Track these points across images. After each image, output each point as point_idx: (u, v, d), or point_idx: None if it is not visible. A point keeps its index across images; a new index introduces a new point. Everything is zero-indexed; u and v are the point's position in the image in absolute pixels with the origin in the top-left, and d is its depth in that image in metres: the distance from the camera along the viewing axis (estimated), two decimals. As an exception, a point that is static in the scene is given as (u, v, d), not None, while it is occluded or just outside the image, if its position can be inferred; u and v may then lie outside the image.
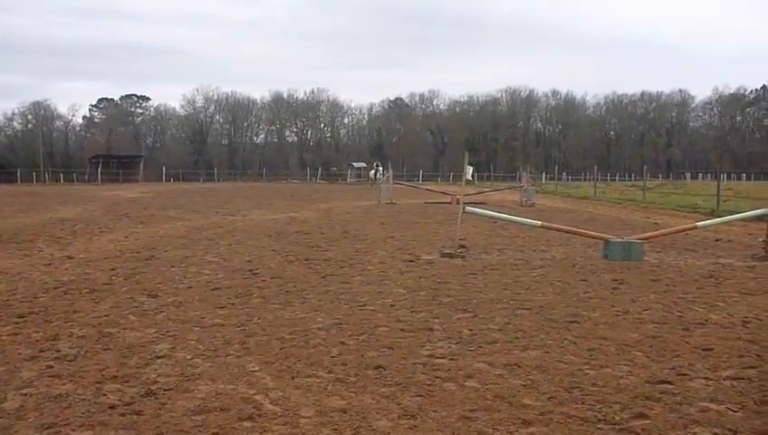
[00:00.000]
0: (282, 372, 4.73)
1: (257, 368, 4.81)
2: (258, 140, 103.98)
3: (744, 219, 13.61)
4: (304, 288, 7.92)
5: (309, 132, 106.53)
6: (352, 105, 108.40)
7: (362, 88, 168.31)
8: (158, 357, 5.07)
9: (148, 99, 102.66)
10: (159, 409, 4.03)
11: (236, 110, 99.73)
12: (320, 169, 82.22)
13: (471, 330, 5.99)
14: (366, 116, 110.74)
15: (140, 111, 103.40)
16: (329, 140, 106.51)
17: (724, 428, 3.78)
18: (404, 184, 40.88)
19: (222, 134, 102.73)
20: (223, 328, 5.97)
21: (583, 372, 4.78)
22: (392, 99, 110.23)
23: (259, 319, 6.32)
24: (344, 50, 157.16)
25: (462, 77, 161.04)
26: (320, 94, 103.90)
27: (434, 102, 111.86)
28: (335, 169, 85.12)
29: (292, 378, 4.60)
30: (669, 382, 4.57)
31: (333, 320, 6.29)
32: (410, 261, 10.31)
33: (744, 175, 79.48)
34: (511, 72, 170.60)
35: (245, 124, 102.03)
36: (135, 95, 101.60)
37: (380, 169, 43.02)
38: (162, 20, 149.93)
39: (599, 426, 3.81)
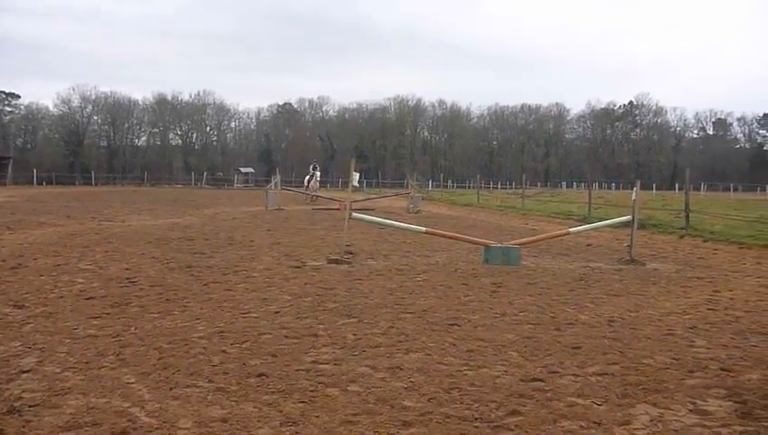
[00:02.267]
0: (159, 383, 4.56)
1: (133, 380, 4.62)
2: (140, 143, 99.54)
3: (611, 226, 14.56)
4: (185, 296, 7.68)
5: (194, 136, 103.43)
6: (240, 109, 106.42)
7: (250, 92, 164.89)
8: (24, 372, 4.75)
9: (17, 96, 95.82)
10: (23, 426, 3.77)
11: (116, 110, 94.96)
12: (205, 173, 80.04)
13: (355, 335, 6.04)
14: (254, 120, 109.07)
15: (9, 108, 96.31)
16: (215, 144, 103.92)
17: (590, 421, 4.03)
18: (292, 190, 40.55)
19: (100, 136, 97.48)
20: (96, 339, 5.68)
21: (462, 373, 4.94)
22: (281, 104, 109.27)
23: (136, 329, 6.06)
24: (232, 52, 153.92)
25: (351, 84, 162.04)
26: (206, 97, 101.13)
27: (323, 108, 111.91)
28: (221, 173, 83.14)
29: (171, 389, 4.45)
30: (541, 380, 4.81)
31: (215, 328, 6.15)
32: (297, 267, 10.25)
33: (614, 184, 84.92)
34: (399, 81, 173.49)
35: (126, 126, 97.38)
36: (3, 92, 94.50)
37: (317, 173, 36.56)
38: (31, 12, 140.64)
39: (475, 425, 3.95)
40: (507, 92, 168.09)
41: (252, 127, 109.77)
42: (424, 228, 13.22)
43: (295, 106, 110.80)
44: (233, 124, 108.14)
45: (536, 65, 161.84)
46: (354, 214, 12.51)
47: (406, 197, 32.50)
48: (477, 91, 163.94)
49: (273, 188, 30.58)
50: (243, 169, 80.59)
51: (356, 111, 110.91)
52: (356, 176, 11.94)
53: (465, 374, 4.92)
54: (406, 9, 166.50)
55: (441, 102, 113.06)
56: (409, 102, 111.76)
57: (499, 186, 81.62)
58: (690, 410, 4.26)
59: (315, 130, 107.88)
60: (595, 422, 4.00)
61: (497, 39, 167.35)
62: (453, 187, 72.49)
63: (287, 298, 7.74)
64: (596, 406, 4.30)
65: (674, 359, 5.46)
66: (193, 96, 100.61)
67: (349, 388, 4.55)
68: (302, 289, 8.36)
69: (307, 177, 37.09)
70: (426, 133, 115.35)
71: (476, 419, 4.03)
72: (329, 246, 12.96)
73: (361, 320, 6.67)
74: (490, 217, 26.29)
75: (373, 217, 14.60)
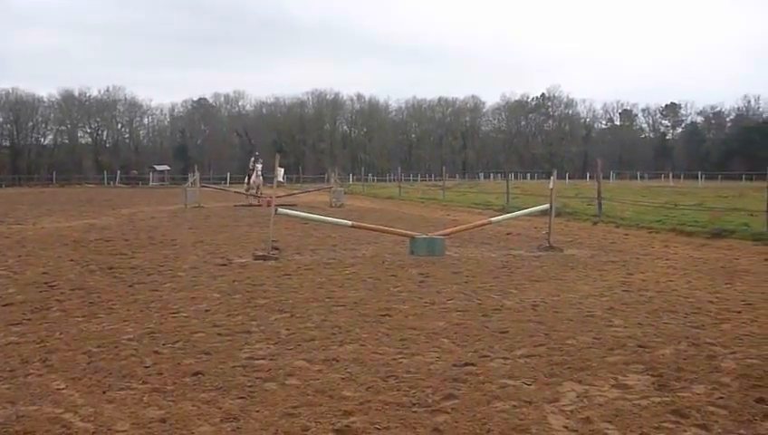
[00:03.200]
0: (91, 387, 4.46)
1: (63, 385, 4.49)
2: (46, 142, 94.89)
3: (529, 214, 15.08)
4: (110, 299, 7.47)
5: (105, 133, 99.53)
6: (152, 105, 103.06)
7: (163, 87, 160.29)
8: (-58, 383, 4.53)
9: None
10: (-52, 440, 3.62)
11: (19, 108, 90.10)
12: (118, 172, 77.26)
13: (289, 329, 6.06)
14: (168, 116, 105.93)
15: None
16: (127, 141, 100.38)
17: (521, 400, 4.22)
18: (212, 187, 39.76)
19: (2, 135, 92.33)
20: (19, 346, 5.46)
21: (397, 362, 5.06)
22: (196, 99, 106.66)
23: (61, 334, 5.86)
24: (142, 46, 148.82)
25: (268, 78, 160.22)
26: (116, 93, 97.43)
27: (240, 103, 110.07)
28: (136, 172, 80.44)
29: (104, 392, 4.35)
30: (473, 364, 4.99)
31: (145, 329, 6.03)
32: (223, 265, 10.13)
33: (529, 175, 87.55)
34: (317, 74, 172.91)
35: (30, 124, 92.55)
36: None
37: (259, 166, 28.09)
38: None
39: (413, 410, 4.07)
40: (424, 86, 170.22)
41: (166, 123, 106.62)
42: (350, 222, 13.30)
43: (211, 101, 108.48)
44: (146, 121, 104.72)
45: (452, 58, 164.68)
46: (280, 209, 12.45)
47: (328, 191, 32.46)
48: (395, 84, 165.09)
49: (191, 185, 29.91)
50: (158, 167, 78.24)
51: (274, 106, 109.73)
52: (281, 172, 11.89)
53: (401, 362, 5.04)
54: (323, 2, 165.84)
55: (359, 96, 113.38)
56: (328, 96, 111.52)
57: (419, 178, 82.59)
58: (612, 385, 4.53)
59: (232, 125, 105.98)
60: (526, 401, 4.20)
61: (413, 32, 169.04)
62: (374, 180, 72.80)
63: (216, 296, 7.66)
64: (526, 386, 4.51)
65: (595, 338, 5.78)
66: (102, 92, 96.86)
67: (287, 382, 4.58)
68: (230, 286, 8.28)
69: (251, 172, 28.91)
70: (345, 127, 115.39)
71: (414, 404, 4.15)
72: (254, 243, 12.85)
73: (294, 314, 6.70)
74: (412, 209, 26.64)
75: (299, 212, 14.57)
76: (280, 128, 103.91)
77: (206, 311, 6.85)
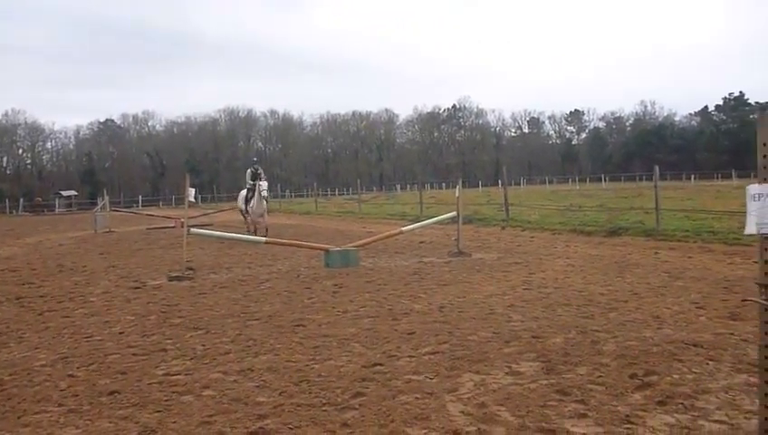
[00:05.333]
0: (5, 413, 4.49)
1: (-26, 414, 4.50)
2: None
3: (440, 222, 15.63)
4: (20, 328, 7.36)
5: (5, 160, 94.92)
6: (56, 128, 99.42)
7: (67, 109, 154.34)
8: None
9: None
10: None
11: None
12: (21, 199, 73.71)
13: (204, 345, 6.21)
14: (73, 139, 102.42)
15: None
16: (29, 167, 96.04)
17: (424, 392, 4.57)
18: (123, 211, 38.72)
19: None
20: (-75, 380, 5.39)
21: (310, 367, 5.32)
22: (102, 120, 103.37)
23: (-31, 365, 5.80)
24: (43, 67, 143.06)
25: (178, 97, 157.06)
26: (15, 116, 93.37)
27: (149, 124, 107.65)
28: (40, 199, 76.98)
29: (18, 417, 4.41)
30: (381, 364, 5.32)
31: (58, 355, 6.04)
32: (136, 288, 10.08)
33: (444, 184, 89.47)
34: (229, 92, 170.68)
35: None
36: None
37: (263, 183, 17.96)
38: None
39: (324, 409, 4.34)
40: (338, 100, 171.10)
41: (71, 147, 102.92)
42: (264, 239, 13.44)
43: (118, 122, 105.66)
44: (49, 145, 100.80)
45: (364, 72, 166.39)
46: (193, 229, 12.45)
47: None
48: (308, 99, 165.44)
49: (101, 210, 29.09)
50: (64, 193, 75.28)
51: (185, 125, 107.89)
52: (192, 192, 11.91)
53: (313, 368, 5.31)
54: (232, 19, 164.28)
55: (273, 112, 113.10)
56: (240, 113, 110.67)
57: (336, 192, 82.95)
58: (506, 373, 4.96)
59: (142, 146, 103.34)
60: (428, 393, 4.56)
61: (325, 48, 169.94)
62: (291, 196, 72.59)
63: (130, 318, 7.68)
64: (429, 380, 4.88)
65: (494, 333, 6.23)
66: (1, 116, 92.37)
67: (203, 393, 4.76)
68: (144, 308, 8.31)
69: (243, 191, 19.92)
70: (259, 144, 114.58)
71: (324, 404, 4.43)
72: (168, 265, 12.79)
73: (209, 331, 6.84)
74: (329, 223, 26.91)
75: (214, 232, 14.57)
76: (192, 147, 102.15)
77: (121, 333, 6.89)
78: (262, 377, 5.10)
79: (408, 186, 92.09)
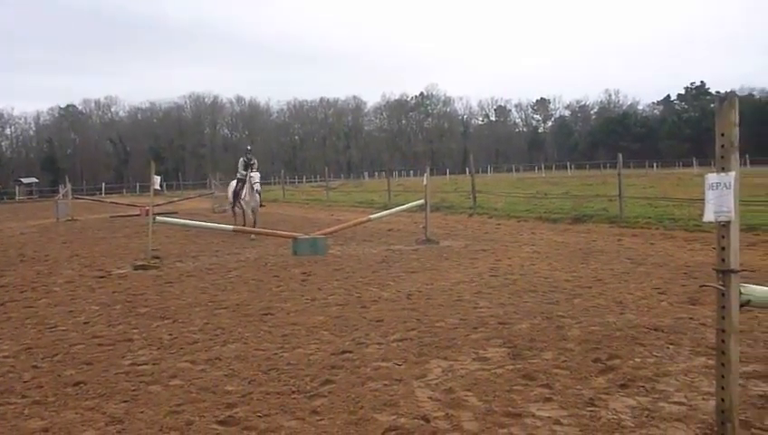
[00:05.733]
0: (-33, 405, 4.42)
1: (-65, 406, 4.41)
2: None
3: (408, 210, 15.68)
4: (-20, 318, 7.22)
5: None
6: (15, 114, 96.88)
7: (27, 94, 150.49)
8: None
9: None
10: None
11: None
12: (-21, 187, 71.88)
13: (171, 335, 6.17)
14: (33, 125, 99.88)
15: None
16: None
17: (392, 379, 4.62)
18: (86, 198, 38.00)
19: None
20: None
21: (278, 356, 5.33)
22: (64, 106, 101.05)
23: (-72, 357, 5.67)
24: (1, 50, 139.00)
25: (142, 83, 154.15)
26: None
27: (112, 109, 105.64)
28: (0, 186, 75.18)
29: (-19, 409, 4.34)
30: (350, 351, 5.35)
31: (21, 346, 5.94)
32: (101, 277, 9.94)
33: (412, 171, 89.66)
34: (194, 78, 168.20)
35: None
36: None
37: (255, 174, 15.98)
38: None
39: (293, 397, 4.36)
40: (306, 87, 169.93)
41: (31, 133, 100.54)
42: (232, 227, 13.35)
43: (80, 108, 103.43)
44: (8, 131, 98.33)
45: (332, 59, 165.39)
46: (159, 217, 12.30)
47: (210, 197, 31.96)
48: (275, 86, 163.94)
49: (63, 197, 28.53)
50: (24, 180, 73.58)
51: (149, 111, 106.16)
52: (157, 179, 11.76)
53: (282, 356, 5.32)
54: (198, 3, 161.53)
55: (239, 99, 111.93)
56: (206, 100, 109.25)
57: (304, 180, 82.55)
58: (474, 359, 5.03)
59: (105, 132, 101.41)
60: (397, 380, 4.60)
61: (292, 33, 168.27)
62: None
63: (95, 308, 7.58)
64: (397, 366, 4.92)
65: (461, 320, 6.30)
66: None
67: (170, 383, 4.74)
68: (110, 298, 8.20)
69: (233, 182, 17.60)
70: (226, 131, 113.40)
71: (294, 392, 4.45)
72: (133, 253, 12.63)
73: (176, 320, 6.79)
74: (297, 211, 26.82)
75: (179, 220, 14.40)
76: (157, 133, 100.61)
77: (86, 323, 6.80)
78: (230, 366, 5.09)
79: (376, 173, 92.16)
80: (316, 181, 73.16)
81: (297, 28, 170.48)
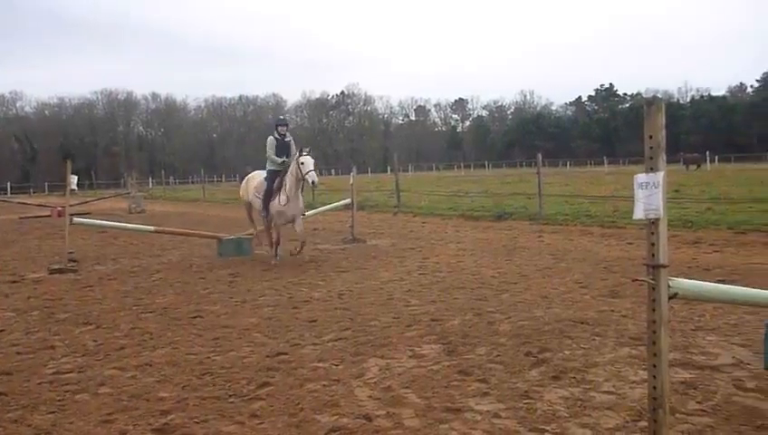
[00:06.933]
0: None
1: None
2: None
3: (334, 209, 15.63)
4: None
5: None
6: None
7: None
8: None
9: None
10: None
11: None
12: None
13: (96, 341, 5.93)
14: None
15: None
16: None
17: (330, 379, 4.61)
18: (-10, 199, 35.92)
19: None
20: None
21: (211, 360, 5.22)
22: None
23: None
24: None
25: (50, 77, 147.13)
26: None
27: (18, 105, 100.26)
28: None
29: None
30: (285, 353, 5.30)
31: (-70, 357, 5.57)
32: (14, 282, 9.44)
33: (333, 170, 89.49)
34: (106, 73, 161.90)
35: None
36: None
37: (301, 149, 10.11)
38: None
39: (230, 401, 4.29)
40: (224, 84, 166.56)
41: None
42: (152, 227, 12.94)
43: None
44: None
45: (250, 56, 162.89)
46: (75, 219, 11.78)
47: (126, 197, 30.88)
48: (193, 82, 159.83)
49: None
50: None
51: (58, 107, 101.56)
52: (74, 179, 11.26)
53: (215, 360, 5.21)
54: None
55: (155, 95, 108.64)
56: (119, 96, 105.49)
57: (224, 179, 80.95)
58: (410, 356, 5.09)
59: (9, 128, 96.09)
60: (335, 380, 4.60)
61: (210, 29, 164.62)
62: (176, 183, 70.12)
63: (10, 315, 7.19)
64: (334, 366, 4.92)
65: (395, 318, 6.36)
66: None
67: (99, 391, 4.56)
68: (26, 304, 7.80)
69: (255, 174, 11.77)
70: (140, 128, 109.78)
71: (231, 396, 4.37)
72: (47, 256, 12.05)
73: (100, 326, 6.54)
74: (219, 210, 26.29)
75: (97, 221, 13.85)
76: (67, 131, 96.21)
77: (1, 331, 6.45)
78: (162, 371, 4.95)
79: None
80: (236, 180, 71.88)
81: (213, 23, 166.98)
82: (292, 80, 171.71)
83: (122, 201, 31.44)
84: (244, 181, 12.12)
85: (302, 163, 9.84)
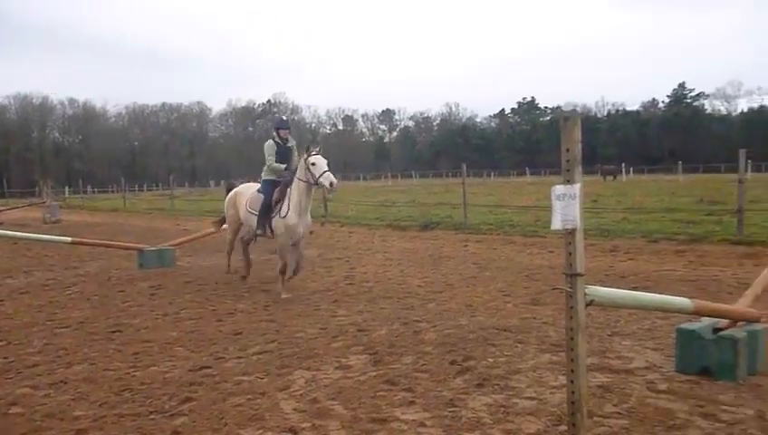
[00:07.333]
0: None
1: None
2: None
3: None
4: None
5: None
6: None
7: None
8: None
9: None
10: None
11: None
12: None
13: (6, 358, 5.64)
14: None
15: None
16: None
17: (255, 393, 4.54)
18: None
19: None
20: None
21: (131, 375, 5.05)
22: None
23: None
24: None
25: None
26: None
27: None
28: None
29: None
30: (209, 367, 5.18)
31: None
32: None
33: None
34: (19, 76, 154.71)
35: None
36: None
37: (311, 149, 8.24)
38: None
39: (151, 417, 4.16)
40: (146, 91, 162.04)
41: None
42: (69, 238, 12.41)
43: None
44: None
45: (174, 63, 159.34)
46: (-17, 230, 11.17)
47: (41, 206, 29.51)
48: (113, 88, 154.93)
49: None
50: None
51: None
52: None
53: (134, 375, 5.04)
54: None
55: (72, 101, 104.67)
56: (34, 101, 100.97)
57: (145, 188, 78.64)
58: (336, 367, 5.07)
59: None
60: (260, 393, 4.53)
61: (130, 33, 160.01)
62: (94, 192, 67.56)
63: None
64: (259, 380, 4.85)
65: (321, 329, 6.33)
66: None
67: (10, 411, 4.34)
68: (-73, 320, 7.33)
69: (247, 187, 9.94)
70: (56, 135, 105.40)
71: (152, 412, 4.24)
72: (-47, 270, 11.38)
73: (10, 342, 6.22)
74: (140, 220, 25.47)
75: (8, 232, 13.18)
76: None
77: None
78: (78, 389, 4.75)
79: (223, 181, 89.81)
80: (159, 189, 69.91)
81: (135, 27, 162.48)
82: (218, 87, 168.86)
83: (37, 211, 30.04)
84: (229, 197, 10.02)
85: (314, 164, 8.05)
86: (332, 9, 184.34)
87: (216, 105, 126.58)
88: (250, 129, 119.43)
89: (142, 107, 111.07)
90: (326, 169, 8.02)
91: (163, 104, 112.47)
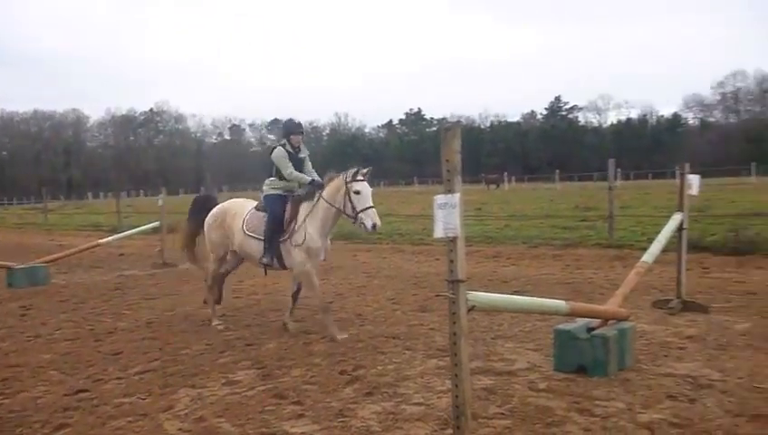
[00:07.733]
0: None
1: None
2: None
3: (142, 232, 14.83)
4: None
5: None
6: None
7: None
8: None
9: None
10: None
11: None
12: None
13: None
14: None
15: None
16: None
17: (137, 415, 4.34)
18: None
19: None
20: None
21: (-2, 404, 4.70)
22: None
23: None
24: None
25: None
26: None
27: None
28: None
29: None
30: (86, 390, 4.91)
31: None
32: None
33: (142, 191, 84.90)
34: None
35: None
36: None
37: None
38: None
39: (19, 448, 3.88)
40: (15, 97, 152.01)
41: None
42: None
43: None
44: None
45: (47, 68, 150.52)
46: None
47: None
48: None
49: None
50: None
51: None
52: None
53: (2, 403, 4.69)
54: None
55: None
56: None
57: (15, 201, 73.57)
58: (223, 384, 4.95)
59: None
60: (142, 414, 4.34)
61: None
62: (-46, 206, 62.44)
63: None
64: (141, 401, 4.64)
65: (207, 345, 6.16)
66: None
67: None
68: None
69: (245, 206, 7.51)
70: None
71: (21, 442, 3.96)
72: None
73: None
74: (8, 236, 23.76)
75: None
76: None
77: None
78: (-65, 422, 4.36)
79: (102, 193, 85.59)
80: (30, 203, 65.57)
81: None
82: (96, 94, 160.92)
83: None
84: (213, 216, 7.50)
85: (357, 193, 6.41)
86: (218, 14, 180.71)
87: (95, 113, 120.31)
88: (131, 138, 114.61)
89: (11, 114, 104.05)
90: (371, 204, 6.39)
91: (35, 111, 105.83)
